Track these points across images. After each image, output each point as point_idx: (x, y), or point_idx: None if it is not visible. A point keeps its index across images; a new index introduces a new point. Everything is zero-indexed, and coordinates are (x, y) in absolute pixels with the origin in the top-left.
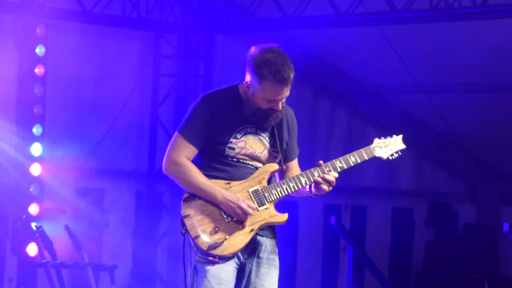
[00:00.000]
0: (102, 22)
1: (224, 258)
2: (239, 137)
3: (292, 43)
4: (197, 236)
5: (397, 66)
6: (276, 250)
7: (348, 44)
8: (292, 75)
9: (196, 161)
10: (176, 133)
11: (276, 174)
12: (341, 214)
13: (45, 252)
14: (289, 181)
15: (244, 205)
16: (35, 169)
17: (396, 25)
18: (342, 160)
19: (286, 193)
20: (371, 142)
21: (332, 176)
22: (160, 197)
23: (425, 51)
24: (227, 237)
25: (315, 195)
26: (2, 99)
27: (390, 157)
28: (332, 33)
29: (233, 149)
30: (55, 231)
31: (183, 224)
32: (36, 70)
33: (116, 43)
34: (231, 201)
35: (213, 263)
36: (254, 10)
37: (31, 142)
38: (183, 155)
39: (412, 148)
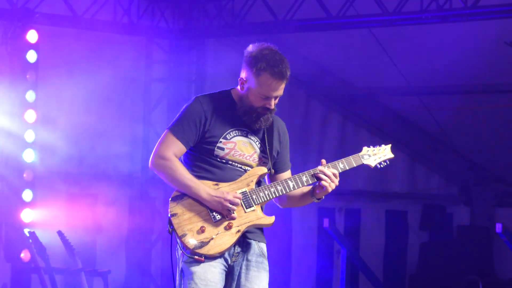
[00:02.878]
0: (94, 27)
1: (210, 258)
2: (228, 137)
3: (283, 47)
4: (184, 235)
5: (389, 68)
6: (265, 254)
7: (339, 47)
8: (288, 73)
9: (185, 162)
10: (166, 130)
11: (266, 180)
12: (335, 217)
13: (39, 258)
14: (278, 184)
15: (229, 197)
16: (28, 175)
17: (387, 27)
18: (330, 166)
19: (274, 196)
20: (364, 145)
21: (331, 171)
22: (153, 202)
23: (417, 53)
24: (214, 236)
25: (318, 199)
26: None
27: (378, 165)
28: (323, 36)
29: (222, 149)
30: (48, 237)
31: (170, 223)
32: (28, 76)
33: (107, 48)
34: (216, 196)
35: (199, 263)
36: (245, 14)
37: (24, 148)
38: (171, 151)
39: (405, 151)
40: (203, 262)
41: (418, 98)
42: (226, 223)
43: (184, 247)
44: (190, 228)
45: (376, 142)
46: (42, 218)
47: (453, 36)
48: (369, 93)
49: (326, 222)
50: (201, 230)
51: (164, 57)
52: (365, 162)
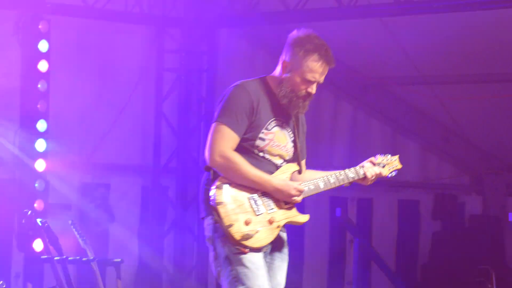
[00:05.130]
0: (105, 17)
1: (253, 251)
2: (269, 128)
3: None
4: (231, 225)
5: (401, 57)
6: (287, 243)
7: (351, 36)
8: (334, 60)
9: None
10: (216, 123)
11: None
12: (347, 207)
13: (51, 248)
14: (320, 181)
15: (294, 192)
16: (40, 165)
17: (399, 15)
18: (353, 171)
19: (314, 193)
20: (376, 135)
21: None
22: (165, 191)
23: (428, 41)
24: (258, 229)
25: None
26: (6, 95)
27: (389, 175)
28: (334, 25)
29: (263, 140)
30: (60, 226)
31: (215, 211)
32: (39, 66)
33: (119, 38)
34: (282, 189)
35: (243, 253)
36: (256, 3)
37: (36, 138)
38: (229, 146)
39: (417, 140)
40: (247, 253)
41: (430, 87)
42: (268, 217)
43: (230, 237)
44: (236, 219)
45: (388, 132)
46: (54, 208)
47: (466, 24)
48: (380, 82)
49: (338, 212)
50: (247, 222)
51: (175, 46)
52: (383, 173)
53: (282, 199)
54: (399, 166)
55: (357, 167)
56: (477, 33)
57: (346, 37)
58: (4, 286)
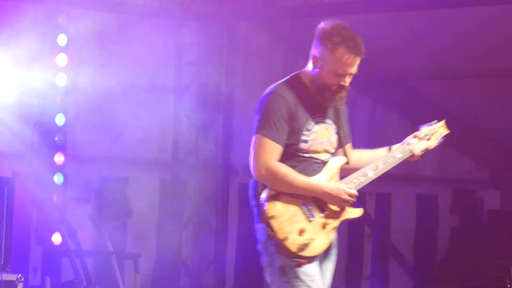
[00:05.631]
0: (124, 11)
1: (310, 261)
2: (310, 128)
3: (313, 30)
4: (286, 238)
5: (419, 51)
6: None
7: (370, 31)
8: (364, 49)
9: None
10: (257, 135)
11: None
12: (366, 201)
13: (70, 241)
14: (369, 170)
15: (345, 197)
16: (59, 159)
17: (419, 10)
18: (400, 150)
19: (363, 185)
20: (395, 131)
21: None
22: (184, 185)
23: (446, 35)
24: (314, 237)
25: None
26: (25, 89)
27: (437, 144)
28: (354, 20)
29: (306, 141)
30: (79, 220)
31: (268, 226)
32: (58, 60)
33: (138, 32)
34: (332, 195)
35: (299, 265)
36: None
37: (54, 131)
38: (273, 158)
39: None
40: (305, 264)
41: (448, 82)
42: (321, 222)
43: (286, 250)
44: (291, 231)
45: (407, 126)
46: (73, 202)
47: (486, 19)
48: (399, 77)
49: (356, 206)
50: (301, 232)
51: (194, 40)
52: (430, 146)
53: (333, 204)
54: (446, 131)
55: (404, 145)
56: (497, 26)
57: (365, 32)
58: (22, 280)
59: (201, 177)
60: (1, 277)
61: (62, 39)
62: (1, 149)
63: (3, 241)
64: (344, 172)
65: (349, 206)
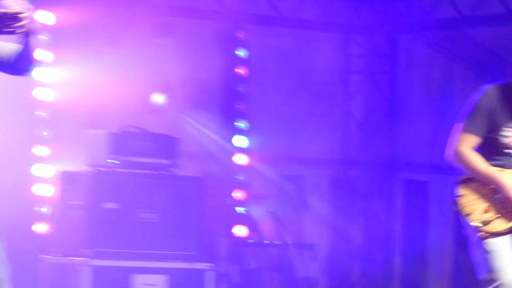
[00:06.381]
0: (297, 25)
1: (495, 235)
2: (511, 126)
3: (468, 40)
4: (468, 214)
5: None
6: None
7: None
8: None
9: (476, 150)
10: (459, 123)
11: None
12: None
13: (252, 233)
14: None
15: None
16: (241, 159)
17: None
18: None
19: None
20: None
21: None
22: (353, 182)
23: None
24: (498, 216)
25: None
26: (209, 98)
27: None
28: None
29: (506, 137)
30: (260, 214)
31: (456, 203)
32: (239, 71)
33: (309, 44)
34: (506, 190)
35: (484, 237)
36: (430, 9)
37: (237, 134)
38: (466, 144)
39: None
40: (489, 237)
41: None
42: (506, 205)
43: (470, 222)
44: (476, 208)
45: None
46: (254, 198)
47: None
48: None
49: None
50: (486, 211)
51: (360, 51)
52: None
53: (504, 196)
54: None
55: None
56: None
57: None
58: (213, 268)
59: (369, 174)
60: (196, 266)
61: (242, 52)
62: (191, 150)
63: (196, 235)
64: None
65: None
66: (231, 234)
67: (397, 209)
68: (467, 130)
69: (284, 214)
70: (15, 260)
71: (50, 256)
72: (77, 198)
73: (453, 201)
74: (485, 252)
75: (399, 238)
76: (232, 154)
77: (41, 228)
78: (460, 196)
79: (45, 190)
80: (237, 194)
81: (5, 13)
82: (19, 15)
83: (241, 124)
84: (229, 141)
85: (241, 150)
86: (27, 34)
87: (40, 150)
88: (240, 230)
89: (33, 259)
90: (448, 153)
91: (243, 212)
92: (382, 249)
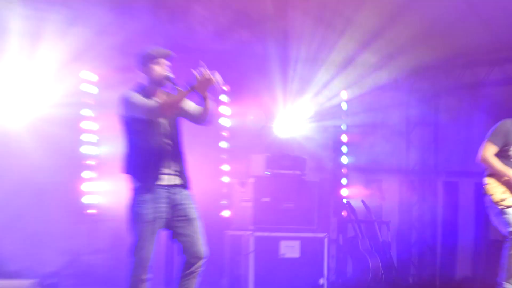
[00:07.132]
0: (371, 85)
1: (510, 207)
2: None
3: None
4: (492, 194)
5: None
6: None
7: None
8: None
9: (497, 156)
10: (487, 139)
11: None
12: None
13: (351, 215)
14: None
15: None
16: (344, 170)
17: None
18: None
19: None
20: None
21: None
22: (413, 184)
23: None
24: (511, 195)
25: None
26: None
27: None
28: None
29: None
30: (356, 203)
31: (483, 189)
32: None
33: (382, 101)
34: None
35: (504, 207)
36: None
37: (342, 155)
38: (489, 152)
39: None
40: (505, 209)
41: None
42: None
43: (493, 200)
44: (496, 191)
45: None
46: (352, 193)
47: None
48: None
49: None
50: (503, 192)
51: (419, 110)
52: None
53: None
54: None
55: None
56: None
57: None
58: (326, 236)
59: (436, 178)
60: (316, 236)
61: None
62: (312, 166)
63: (317, 216)
64: None
65: None
66: (338, 215)
67: (440, 203)
68: (491, 143)
69: (371, 201)
70: (209, 234)
71: (230, 231)
72: (246, 195)
73: (482, 187)
74: (505, 217)
75: (440, 225)
76: (340, 167)
77: (225, 213)
78: (486, 184)
79: (226, 190)
80: (342, 191)
81: (207, 79)
82: (212, 81)
83: (345, 149)
84: (338, 159)
85: (344, 165)
86: (210, 95)
87: (224, 167)
88: (343, 213)
89: (220, 233)
90: (478, 157)
91: (346, 202)
92: (428, 228)
